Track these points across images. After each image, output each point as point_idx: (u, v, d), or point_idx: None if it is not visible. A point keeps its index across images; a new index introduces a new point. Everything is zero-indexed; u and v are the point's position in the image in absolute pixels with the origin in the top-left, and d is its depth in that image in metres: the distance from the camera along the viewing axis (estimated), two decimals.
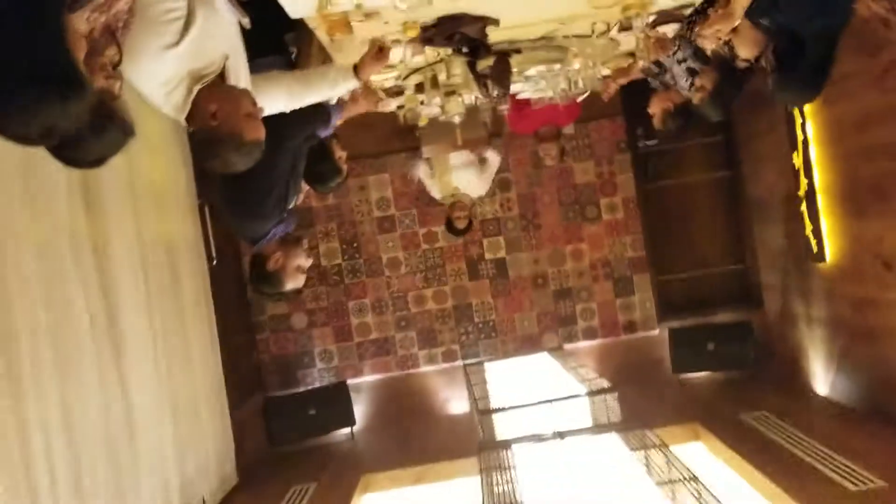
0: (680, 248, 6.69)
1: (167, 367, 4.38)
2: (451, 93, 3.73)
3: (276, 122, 2.36)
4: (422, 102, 3.57)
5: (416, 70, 3.45)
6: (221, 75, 2.07)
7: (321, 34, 2.63)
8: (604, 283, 6.61)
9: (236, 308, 6.32)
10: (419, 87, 3.70)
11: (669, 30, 3.34)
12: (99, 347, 3.68)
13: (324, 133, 3.00)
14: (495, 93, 3.31)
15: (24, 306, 3.12)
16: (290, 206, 2.93)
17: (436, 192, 5.44)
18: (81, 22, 1.68)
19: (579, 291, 6.63)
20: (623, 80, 4.13)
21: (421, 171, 5.29)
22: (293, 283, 2.86)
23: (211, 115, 1.99)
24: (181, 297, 4.76)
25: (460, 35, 2.78)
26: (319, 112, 2.86)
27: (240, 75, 2.18)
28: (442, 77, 3.43)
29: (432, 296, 6.64)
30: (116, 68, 1.77)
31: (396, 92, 3.82)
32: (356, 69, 2.58)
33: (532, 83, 3.88)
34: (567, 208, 6.62)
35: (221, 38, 2.12)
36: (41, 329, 3.20)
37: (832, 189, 5.05)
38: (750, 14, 3.06)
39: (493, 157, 5.51)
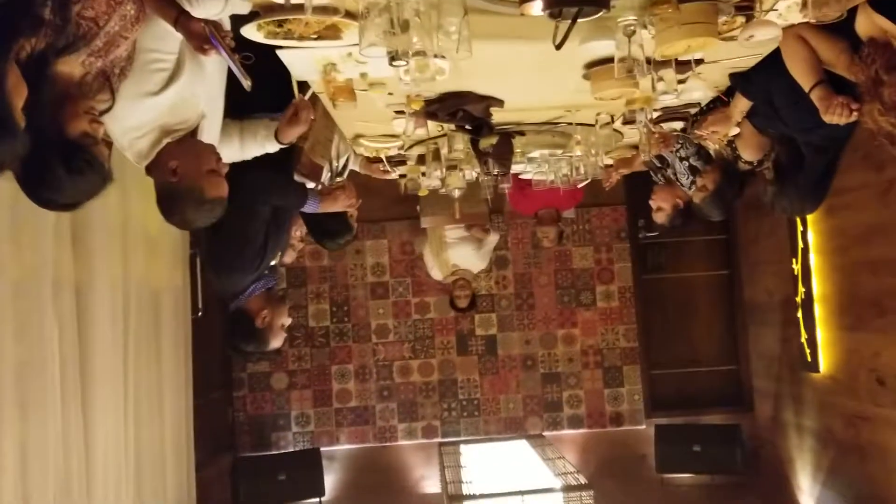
0: (673, 342, 6.59)
1: (135, 419, 4.23)
2: (453, 167, 3.73)
3: (251, 183, 2.34)
4: (423, 174, 3.55)
5: (419, 141, 3.44)
6: (193, 132, 2.05)
7: (325, 99, 2.62)
8: (594, 371, 6.49)
9: (217, 362, 6.18)
10: (421, 159, 3.70)
11: (673, 126, 3.35)
12: (66, 391, 3.55)
13: (310, 209, 2.97)
14: (496, 171, 3.30)
15: None
16: (272, 263, 2.88)
17: (437, 273, 5.42)
18: (76, 65, 1.66)
19: (568, 377, 6.50)
20: (625, 171, 4.14)
21: (426, 252, 5.29)
22: (277, 341, 2.84)
23: (171, 170, 1.97)
24: (160, 346, 4.64)
25: (463, 112, 2.77)
26: (297, 192, 2.85)
27: (212, 132, 2.17)
28: (444, 151, 3.42)
29: (418, 367, 6.51)
30: (104, 114, 1.74)
31: (399, 161, 3.82)
32: (277, 133, 2.56)
33: (535, 165, 3.86)
34: (563, 292, 6.55)
35: (203, 97, 2.10)
36: (7, 365, 3.09)
37: (830, 299, 4.99)
38: (752, 119, 3.07)
39: (492, 235, 5.50)
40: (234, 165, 2.50)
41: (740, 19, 2.05)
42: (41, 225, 3.41)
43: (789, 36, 2.21)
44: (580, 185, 3.88)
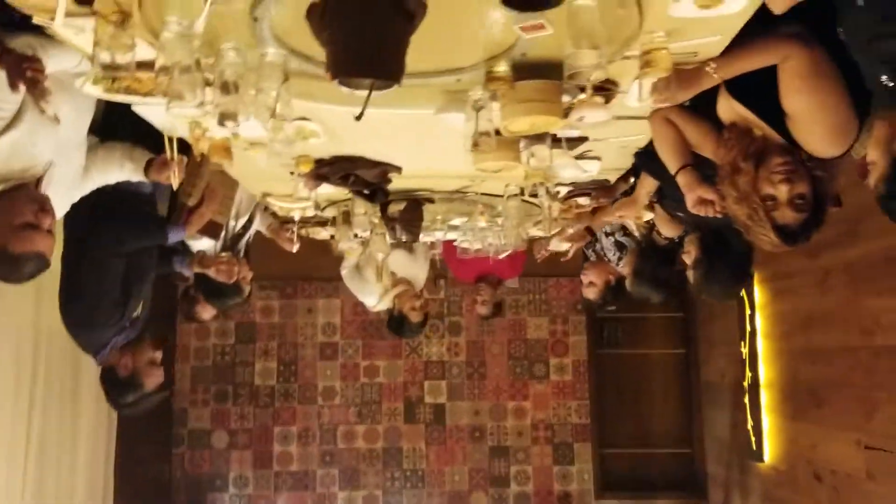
0: (627, 421, 6.40)
1: (38, 467, 4.08)
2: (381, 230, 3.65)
3: (100, 234, 2.27)
4: (332, 237, 3.47)
5: (332, 202, 3.38)
6: (39, 180, 1.99)
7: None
8: (543, 447, 6.30)
9: (156, 416, 6.02)
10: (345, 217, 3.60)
11: (587, 202, 3.28)
12: None
13: (176, 238, 2.88)
14: (404, 238, 3.23)
15: None
16: (133, 316, 2.78)
17: (373, 298, 4.45)
18: None
19: (517, 452, 6.31)
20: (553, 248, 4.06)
21: (350, 284, 4.51)
22: (152, 379, 2.72)
23: None
24: (77, 394, 4.50)
25: (356, 177, 2.71)
26: (154, 228, 2.77)
27: (65, 179, 2.10)
28: (360, 211, 3.34)
29: (363, 433, 6.33)
30: None
31: (319, 222, 3.75)
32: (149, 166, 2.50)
33: (459, 233, 3.80)
34: (515, 362, 6.41)
35: (50, 146, 2.05)
36: None
37: (775, 386, 4.85)
38: (662, 201, 2.99)
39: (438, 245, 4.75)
40: (88, 213, 2.44)
41: (599, 99, 2.00)
42: None
43: (657, 118, 2.16)
44: (501, 256, 3.78)
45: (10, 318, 3.82)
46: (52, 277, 4.20)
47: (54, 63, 2.00)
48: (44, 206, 2.02)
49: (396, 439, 6.33)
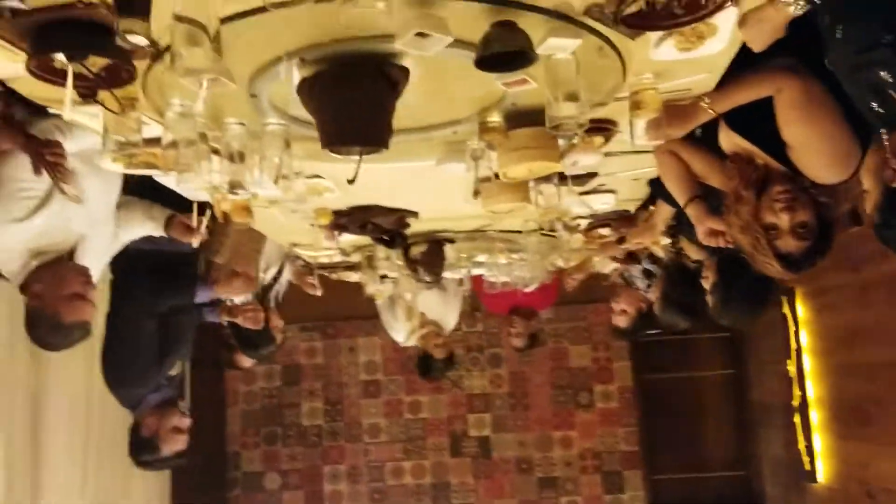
0: (677, 446, 6.28)
1: None
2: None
3: (131, 297, 2.37)
4: (359, 280, 3.55)
5: (358, 248, 3.46)
6: (71, 252, 2.10)
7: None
8: (592, 476, 6.23)
9: (210, 464, 6.14)
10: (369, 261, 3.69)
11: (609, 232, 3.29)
12: (13, 497, 3.57)
13: (204, 298, 2.97)
14: (426, 279, 3.28)
15: None
16: (171, 374, 2.88)
17: (401, 335, 4.59)
18: None
19: (565, 482, 6.24)
20: (579, 276, 4.07)
21: (383, 317, 4.64)
22: (170, 446, 2.80)
23: (34, 294, 2.00)
24: None
25: (373, 225, 2.79)
26: (183, 287, 2.87)
27: (95, 250, 2.21)
28: (381, 255, 3.41)
29: (410, 469, 6.35)
30: None
31: (348, 267, 3.83)
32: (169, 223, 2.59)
33: (486, 268, 3.83)
34: (559, 391, 6.38)
35: (81, 220, 2.16)
36: None
37: (824, 403, 4.73)
38: (681, 228, 2.99)
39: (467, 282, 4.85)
40: (121, 275, 2.55)
41: (598, 139, 2.04)
42: None
43: (662, 151, 2.18)
44: (530, 288, 3.80)
45: (63, 383, 3.96)
46: (100, 336, 4.37)
47: (78, 143, 2.12)
48: (88, 277, 2.14)
49: (444, 474, 6.33)
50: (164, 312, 2.78)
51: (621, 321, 3.99)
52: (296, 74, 1.50)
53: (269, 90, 1.61)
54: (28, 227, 2.04)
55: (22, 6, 1.30)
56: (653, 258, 3.74)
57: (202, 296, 2.92)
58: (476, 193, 1.95)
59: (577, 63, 1.50)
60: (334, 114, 1.43)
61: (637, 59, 1.63)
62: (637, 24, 1.29)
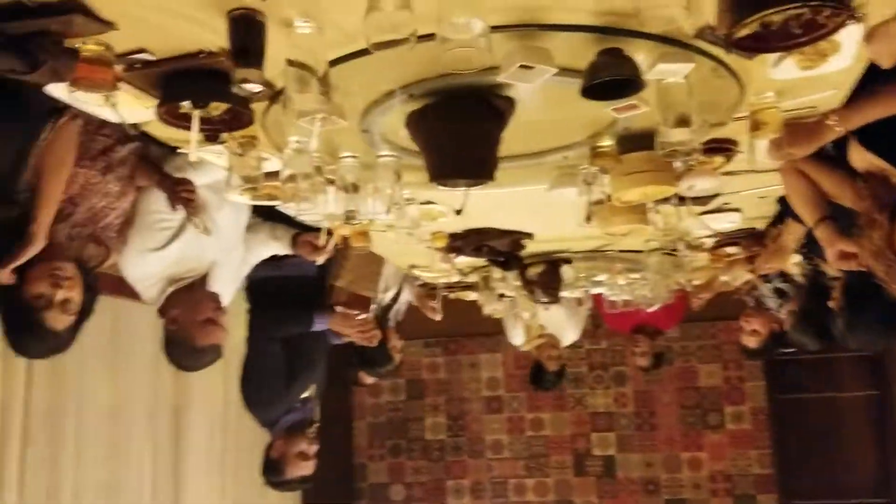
0: (814, 470, 5.88)
1: None
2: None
3: (253, 323, 2.48)
4: (477, 301, 3.56)
5: (474, 268, 3.48)
6: (204, 277, 2.23)
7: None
8: (723, 499, 5.94)
9: (339, 475, 6.32)
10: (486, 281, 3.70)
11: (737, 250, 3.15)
12: None
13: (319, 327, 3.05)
14: (543, 300, 3.26)
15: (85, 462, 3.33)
16: (303, 396, 2.98)
17: (518, 336, 4.57)
18: (59, 234, 1.89)
19: None
20: (706, 294, 3.91)
21: (506, 321, 4.53)
22: (295, 471, 2.89)
23: (171, 318, 2.13)
24: None
25: (488, 247, 2.79)
26: (301, 316, 2.94)
27: (226, 276, 2.33)
28: (497, 276, 3.41)
29: (533, 486, 6.29)
30: (96, 268, 1.95)
31: (466, 286, 3.86)
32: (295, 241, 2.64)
33: (606, 287, 3.76)
34: (687, 412, 6.14)
35: (213, 248, 2.29)
36: (89, 485, 3.38)
37: None
38: (811, 249, 2.81)
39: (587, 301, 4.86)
40: (252, 301, 2.67)
41: (718, 160, 1.96)
42: (139, 353, 3.77)
43: (788, 170, 2.07)
44: (652, 309, 3.69)
45: (203, 398, 4.21)
46: (236, 352, 4.61)
47: (208, 175, 2.26)
48: (219, 303, 2.27)
49: (567, 492, 6.23)
50: (287, 337, 2.90)
51: (752, 342, 3.82)
52: (404, 108, 1.53)
53: (379, 124, 1.65)
54: (165, 256, 2.18)
55: (151, 58, 1.40)
56: (784, 276, 3.55)
57: (319, 325, 3.00)
58: (588, 218, 1.91)
59: (689, 85, 1.45)
60: (440, 148, 1.45)
61: (756, 78, 1.56)
62: (752, 48, 1.23)
